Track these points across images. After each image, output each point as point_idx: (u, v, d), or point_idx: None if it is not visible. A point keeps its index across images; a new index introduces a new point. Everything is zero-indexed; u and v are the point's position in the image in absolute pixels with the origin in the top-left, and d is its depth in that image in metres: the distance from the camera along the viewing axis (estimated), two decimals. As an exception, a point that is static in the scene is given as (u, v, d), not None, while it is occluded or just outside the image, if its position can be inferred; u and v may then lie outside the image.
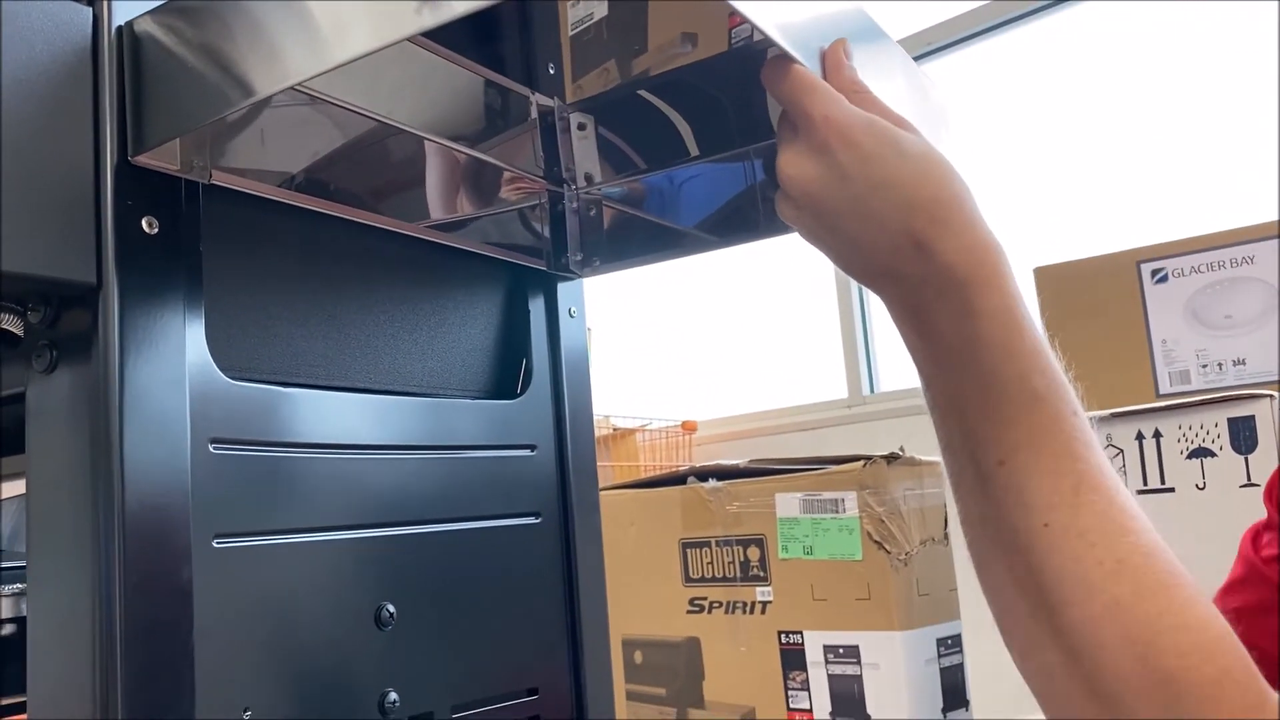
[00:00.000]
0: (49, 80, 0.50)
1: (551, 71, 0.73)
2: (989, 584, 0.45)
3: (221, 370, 0.55)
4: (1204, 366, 1.32)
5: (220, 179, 0.56)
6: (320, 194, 0.63)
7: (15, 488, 0.89)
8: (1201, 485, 1.10)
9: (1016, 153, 2.51)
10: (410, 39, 0.51)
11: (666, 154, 0.75)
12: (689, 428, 2.96)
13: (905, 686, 1.54)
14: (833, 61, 0.51)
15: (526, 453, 0.76)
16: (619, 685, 1.94)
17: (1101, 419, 1.15)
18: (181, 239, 0.54)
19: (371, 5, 0.45)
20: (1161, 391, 1.35)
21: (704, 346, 3.21)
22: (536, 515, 0.76)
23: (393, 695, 0.62)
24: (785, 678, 1.72)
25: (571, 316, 0.81)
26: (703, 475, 1.89)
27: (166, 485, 0.51)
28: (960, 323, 0.42)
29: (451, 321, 0.73)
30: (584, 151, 0.77)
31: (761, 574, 1.76)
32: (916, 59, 1.93)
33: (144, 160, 0.52)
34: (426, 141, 0.70)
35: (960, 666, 1.58)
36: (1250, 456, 1.09)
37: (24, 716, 0.52)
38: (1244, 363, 1.29)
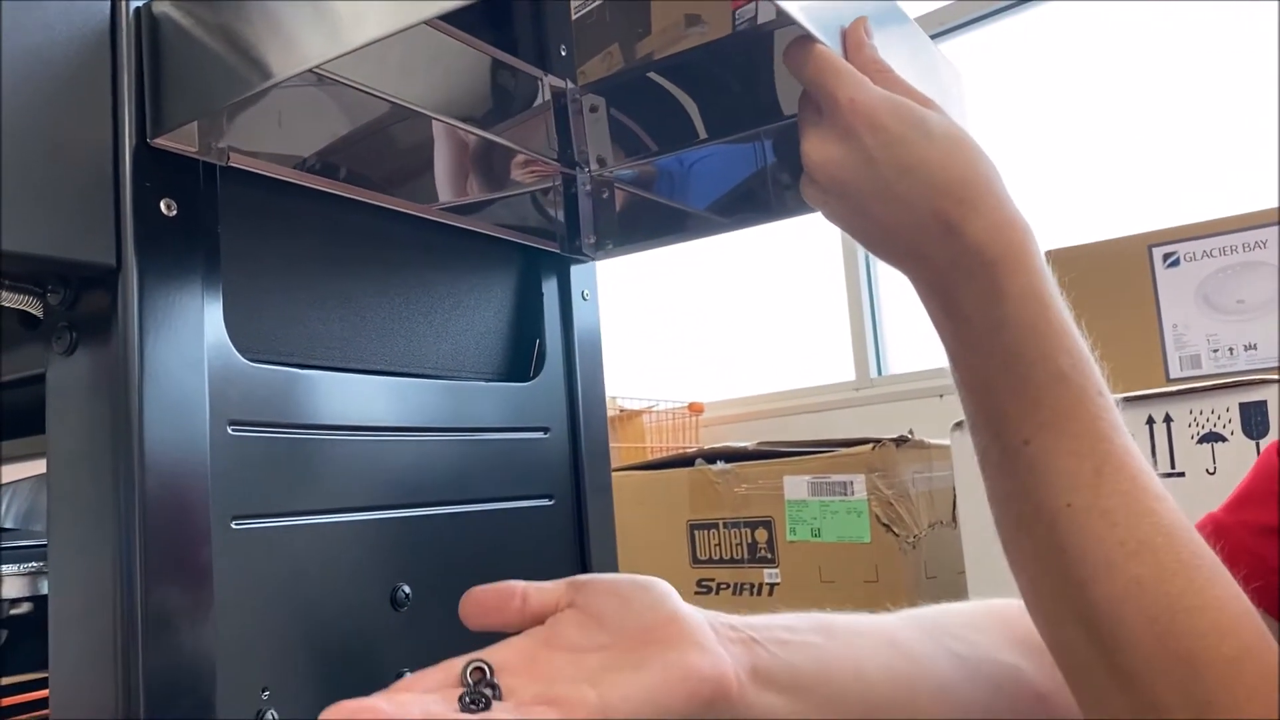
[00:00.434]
0: (68, 63, 0.50)
1: (563, 53, 0.73)
2: (1013, 559, 0.45)
3: (239, 352, 0.56)
4: (1215, 351, 1.32)
5: (238, 161, 0.56)
6: (336, 177, 0.63)
7: (35, 467, 0.89)
8: (1212, 470, 1.10)
9: (1029, 135, 2.50)
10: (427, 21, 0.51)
11: (678, 136, 0.75)
12: (695, 409, 2.96)
13: (912, 668, 1.55)
14: (854, 40, 0.51)
15: (540, 435, 0.76)
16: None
17: (1111, 403, 1.14)
18: (200, 221, 0.54)
19: (391, -12, 0.45)
20: (1172, 376, 1.35)
21: (711, 328, 3.21)
22: (550, 497, 0.76)
23: (408, 675, 0.63)
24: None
25: (585, 299, 0.81)
26: (711, 457, 1.89)
27: (186, 466, 0.52)
28: (987, 303, 0.42)
29: (466, 304, 0.73)
30: (596, 134, 0.77)
31: (769, 556, 1.76)
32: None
33: (162, 142, 0.52)
34: (440, 124, 0.70)
35: (967, 648, 1.58)
36: (1262, 441, 1.08)
37: (46, 692, 0.53)
38: (1255, 347, 1.29)
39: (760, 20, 0.62)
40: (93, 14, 0.51)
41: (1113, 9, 2.46)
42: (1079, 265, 1.52)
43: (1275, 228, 1.31)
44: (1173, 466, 1.12)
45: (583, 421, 0.79)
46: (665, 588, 0.43)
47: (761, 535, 1.79)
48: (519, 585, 0.44)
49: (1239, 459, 1.08)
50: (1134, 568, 0.40)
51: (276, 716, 0.55)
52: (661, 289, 3.27)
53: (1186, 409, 1.11)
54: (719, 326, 3.19)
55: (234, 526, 0.54)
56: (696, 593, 1.85)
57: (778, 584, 1.75)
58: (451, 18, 0.65)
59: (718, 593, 1.83)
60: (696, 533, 1.89)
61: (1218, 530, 0.48)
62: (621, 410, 2.88)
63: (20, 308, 0.52)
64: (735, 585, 1.81)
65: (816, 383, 2.84)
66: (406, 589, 0.63)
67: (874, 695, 0.44)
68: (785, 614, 0.46)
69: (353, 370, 0.64)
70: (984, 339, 0.43)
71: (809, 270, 2.93)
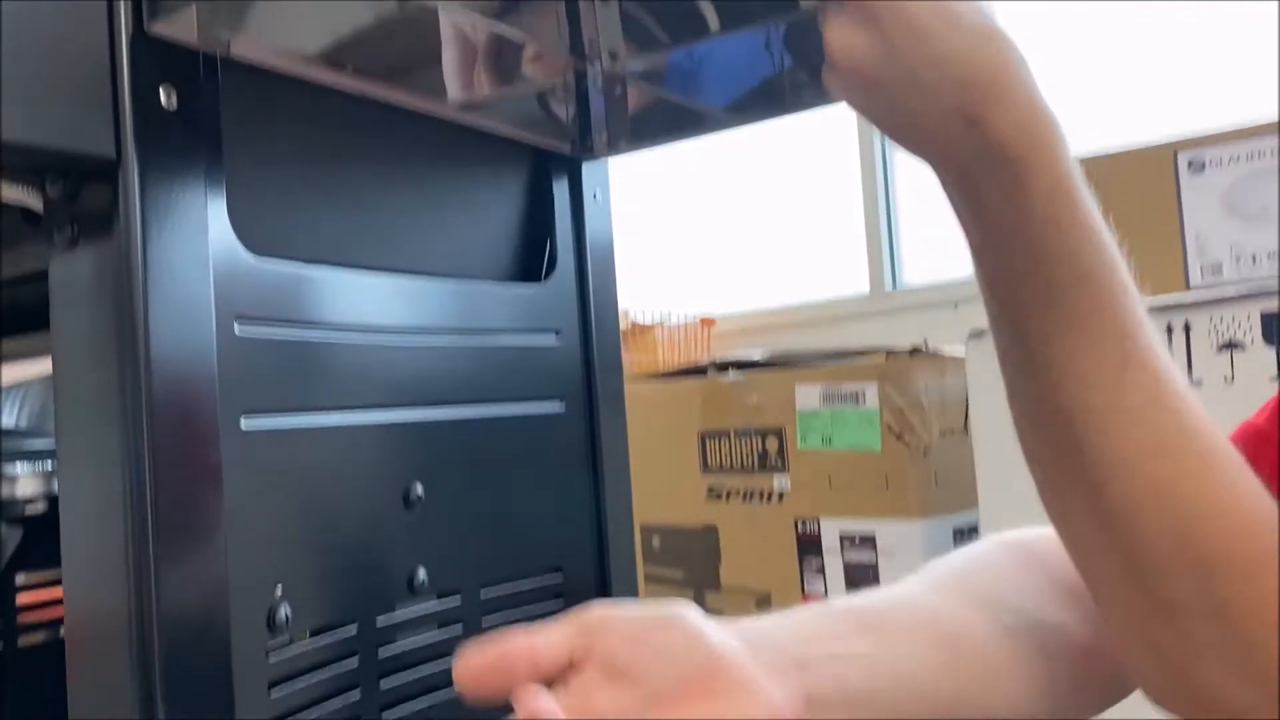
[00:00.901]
0: (59, -57, 0.48)
1: (575, -60, 0.70)
2: (1032, 458, 0.44)
3: (245, 247, 0.55)
4: (1237, 259, 1.30)
5: (240, 51, 0.55)
6: (342, 69, 0.62)
7: (41, 366, 0.89)
8: (1230, 379, 1.09)
9: (1053, 39, 2.44)
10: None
11: (692, 27, 0.72)
12: (708, 323, 2.95)
13: (921, 575, 1.56)
14: None
15: (551, 338, 0.75)
16: (637, 568, 1.97)
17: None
18: (201, 113, 0.53)
19: None
20: (1192, 284, 1.33)
21: (724, 241, 3.18)
22: (561, 400, 0.76)
23: (421, 573, 0.63)
24: (801, 564, 1.75)
25: (596, 200, 0.79)
26: (723, 366, 1.89)
27: (193, 363, 0.51)
28: (1011, 199, 0.41)
29: (475, 203, 0.72)
30: (608, 25, 0.74)
31: (780, 464, 1.77)
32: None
33: (160, 29, 0.50)
34: (448, 15, 0.68)
35: (976, 557, 1.60)
36: (1281, 350, 1.07)
37: (59, 592, 0.53)
38: (1278, 255, 1.27)
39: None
40: (84, -107, 0.49)
41: (1143, -93, 2.37)
42: (1101, 174, 1.48)
43: (1305, 133, 1.28)
44: (1190, 375, 1.11)
45: (595, 325, 0.78)
46: (692, 622, 0.39)
47: (772, 444, 1.79)
48: (523, 642, 0.38)
49: (1258, 368, 1.07)
50: (1153, 467, 0.40)
51: (290, 613, 0.55)
52: (673, 201, 3.24)
53: (1206, 317, 1.10)
54: (732, 239, 3.16)
55: (243, 425, 0.54)
56: (707, 500, 1.87)
57: (787, 492, 1.76)
58: (458, -98, 0.62)
59: (727, 500, 1.85)
60: (708, 441, 1.90)
61: (1258, 438, 0.47)
62: (633, 324, 2.87)
63: (20, 201, 0.51)
64: (745, 493, 1.82)
65: (830, 296, 2.82)
66: (419, 489, 0.63)
67: (929, 698, 0.43)
68: (822, 612, 0.43)
69: (361, 268, 0.63)
70: (1007, 236, 0.41)
71: (824, 181, 2.89)
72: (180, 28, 0.51)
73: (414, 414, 0.64)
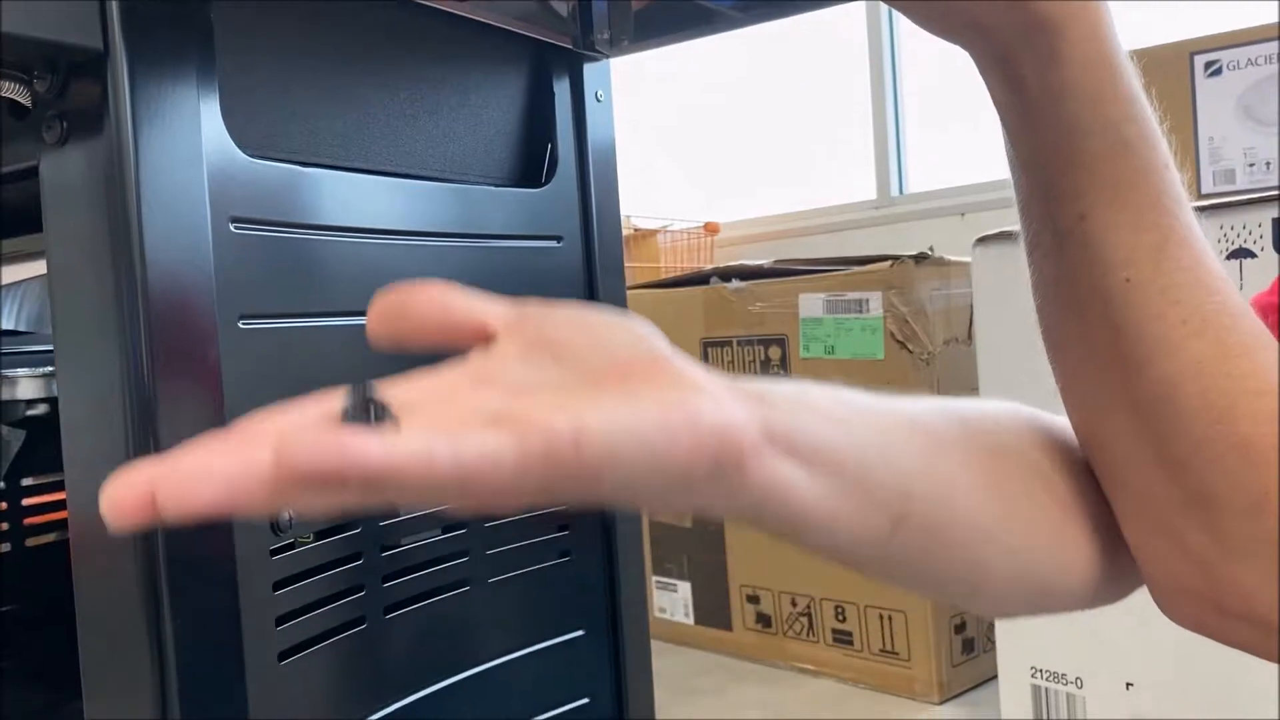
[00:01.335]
0: None
1: None
2: (1056, 348, 0.43)
3: (239, 147, 0.53)
4: (1251, 165, 1.27)
5: (227, -60, 0.53)
6: (334, -40, 0.60)
7: (39, 268, 0.88)
8: (1241, 286, 1.08)
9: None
10: None
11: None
12: (711, 229, 2.92)
13: (921, 482, 1.58)
14: None
15: (553, 244, 0.74)
16: (640, 478, 1.99)
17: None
18: (191, 5, 0.51)
19: None
20: (1204, 191, 1.31)
21: (728, 146, 3.13)
22: (563, 306, 0.75)
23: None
24: (803, 473, 1.76)
25: (599, 101, 0.78)
26: (726, 275, 1.88)
27: (189, 264, 0.50)
28: (1049, 69, 0.39)
29: (474, 103, 0.70)
30: (612, -81, 0.72)
31: (782, 373, 1.77)
32: None
33: (145, -84, 0.48)
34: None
35: (976, 464, 1.61)
36: (1292, 257, 1.06)
37: (64, 494, 0.53)
38: (1292, 162, 1.25)
39: None
40: None
41: None
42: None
43: (1325, 35, 1.24)
44: (1198, 283, 1.09)
45: (596, 231, 0.77)
46: (650, 327, 0.31)
47: (775, 353, 1.79)
48: (436, 289, 0.30)
49: (1269, 275, 1.06)
50: (1195, 346, 0.38)
51: (293, 514, 0.55)
52: (677, 104, 3.18)
53: (1217, 224, 1.08)
54: (737, 144, 3.11)
55: (241, 326, 0.53)
56: (709, 408, 1.87)
57: (790, 400, 1.76)
58: None
59: (730, 408, 1.85)
60: (710, 350, 1.89)
61: (1264, 311, 0.45)
62: (635, 229, 2.84)
63: (7, 96, 0.50)
64: (748, 401, 1.83)
65: (836, 202, 2.79)
66: (419, 393, 0.63)
67: (902, 481, 0.36)
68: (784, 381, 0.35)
69: (358, 170, 0.61)
70: (1044, 109, 0.40)
71: (832, 86, 2.84)
72: (166, -86, 0.49)
73: (414, 318, 0.64)
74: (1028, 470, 0.43)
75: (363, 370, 0.62)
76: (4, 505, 0.89)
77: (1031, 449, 0.44)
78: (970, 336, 1.60)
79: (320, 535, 0.59)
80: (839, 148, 2.82)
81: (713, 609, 1.94)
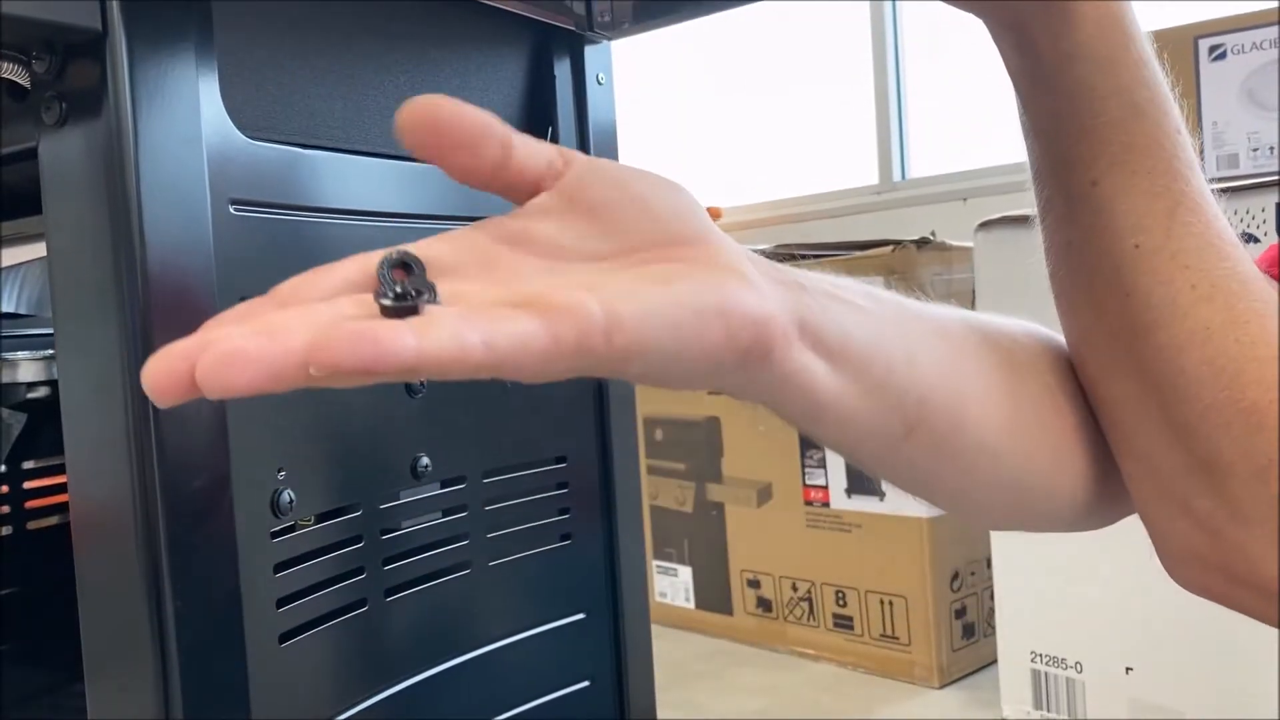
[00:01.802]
0: None
1: None
2: (1067, 314, 0.43)
3: (239, 129, 0.53)
4: (1254, 150, 1.27)
5: (226, -81, 0.52)
6: (333, -60, 0.59)
7: (36, 250, 0.88)
8: (1241, 271, 1.07)
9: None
10: None
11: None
12: (713, 214, 2.92)
13: (922, 467, 1.57)
14: None
15: (553, 226, 0.74)
16: (640, 460, 1.99)
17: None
18: (188, -15, 0.51)
19: None
20: (1208, 176, 1.31)
21: (730, 130, 3.12)
22: (563, 289, 0.75)
23: (425, 459, 0.63)
24: (803, 456, 1.76)
25: (600, 84, 0.77)
26: (727, 259, 1.87)
27: (188, 246, 0.50)
28: (1060, 32, 0.39)
29: (474, 85, 0.70)
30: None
31: (784, 358, 1.76)
32: None
33: (143, -105, 0.48)
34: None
35: (977, 449, 1.61)
36: (1295, 242, 1.06)
37: (65, 478, 0.53)
38: (1296, 146, 1.24)
39: None
40: None
41: None
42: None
43: (1331, 19, 1.24)
44: (1201, 268, 1.09)
45: (598, 214, 0.77)
46: (694, 199, 0.31)
47: (777, 338, 1.79)
48: (495, 120, 0.28)
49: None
50: (1204, 312, 0.38)
51: (293, 497, 0.55)
52: (678, 88, 3.17)
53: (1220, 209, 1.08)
54: (739, 128, 3.10)
55: (241, 309, 0.53)
56: (710, 393, 1.87)
57: (791, 385, 1.75)
58: None
59: (731, 393, 1.85)
60: (712, 335, 1.89)
61: (1269, 264, 0.45)
62: (637, 214, 2.83)
63: (5, 77, 0.50)
64: (749, 386, 1.83)
65: (838, 187, 2.78)
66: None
67: (921, 387, 0.36)
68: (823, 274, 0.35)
69: (357, 153, 0.61)
70: (1056, 73, 0.39)
71: (834, 70, 2.83)
72: (164, -107, 0.49)
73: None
74: (1039, 389, 0.43)
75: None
76: (5, 488, 0.89)
77: (1046, 370, 0.43)
78: (972, 322, 1.59)
79: (321, 518, 0.59)
80: (841, 132, 2.81)
81: (713, 593, 1.95)
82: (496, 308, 0.25)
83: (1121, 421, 0.41)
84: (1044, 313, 0.45)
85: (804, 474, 1.77)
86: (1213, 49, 1.30)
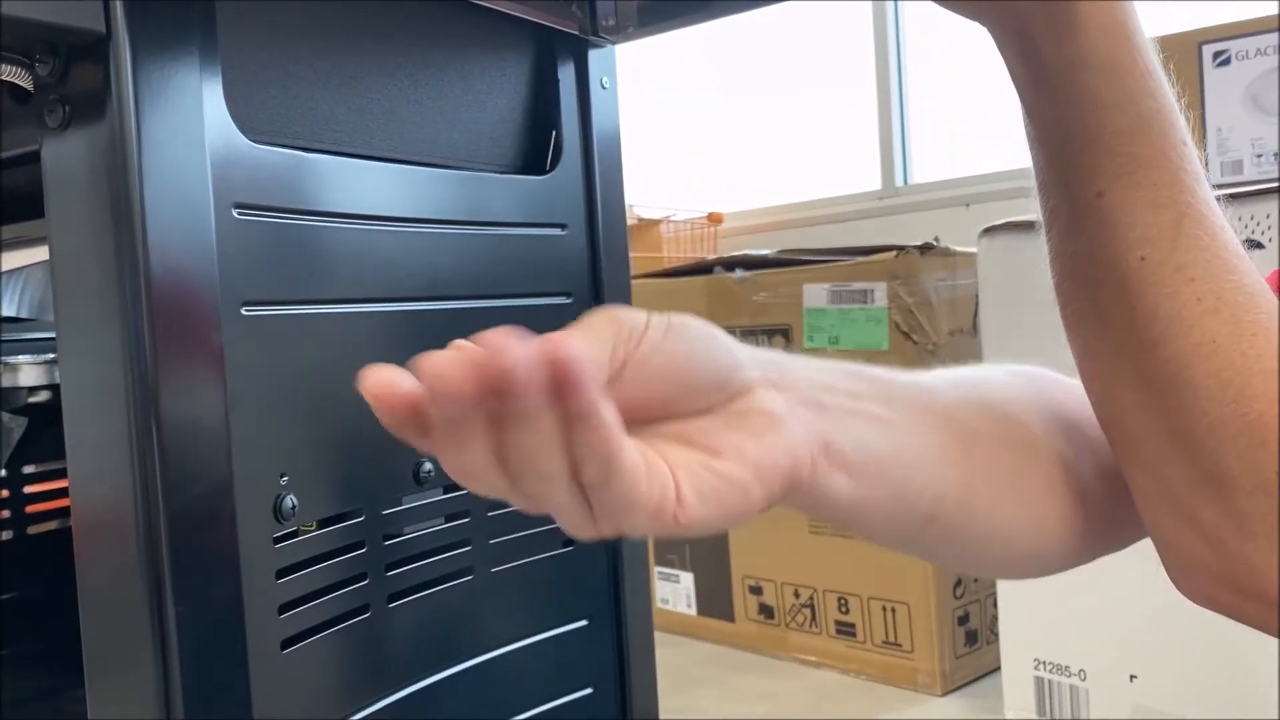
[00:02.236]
0: None
1: None
2: (1072, 325, 0.43)
3: (242, 132, 0.53)
4: (1259, 156, 1.27)
5: (230, -78, 0.52)
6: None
7: (41, 254, 0.88)
8: (1246, 278, 1.07)
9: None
10: None
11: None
12: (715, 219, 2.91)
13: (924, 473, 1.57)
14: None
15: (557, 231, 0.74)
16: (642, 468, 1.98)
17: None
18: (192, -12, 0.51)
19: None
20: (1212, 182, 1.30)
21: (732, 135, 3.12)
22: (568, 295, 0.75)
23: (427, 464, 0.63)
24: (806, 463, 1.76)
25: (604, 88, 0.77)
26: (730, 265, 1.87)
27: (191, 250, 0.50)
28: (1065, 41, 0.39)
29: (478, 89, 0.70)
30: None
31: (786, 363, 1.76)
32: None
33: (147, -103, 0.48)
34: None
35: (980, 456, 1.60)
36: (1300, 249, 1.05)
37: (66, 482, 0.53)
38: (1301, 153, 1.24)
39: None
40: None
41: None
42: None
43: (1335, 25, 1.24)
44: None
45: (601, 219, 0.77)
46: (722, 336, 0.34)
47: (779, 343, 1.78)
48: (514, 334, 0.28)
49: (1276, 267, 1.05)
50: (1211, 325, 0.38)
51: (296, 502, 0.55)
52: (681, 93, 3.17)
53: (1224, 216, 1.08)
54: (741, 133, 3.10)
55: (244, 313, 0.53)
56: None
57: (794, 391, 1.75)
58: None
59: (734, 399, 1.84)
60: (714, 340, 1.89)
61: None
62: (638, 219, 2.83)
63: (8, 80, 0.50)
64: (751, 392, 1.82)
65: (840, 192, 2.78)
66: (423, 381, 0.63)
67: (937, 490, 0.39)
68: (838, 367, 0.38)
69: (360, 156, 0.61)
70: (1062, 82, 0.39)
71: (837, 75, 2.83)
72: (169, -104, 0.49)
73: (416, 306, 0.63)
74: (1046, 464, 0.44)
75: (365, 357, 0.62)
76: (6, 493, 0.89)
77: (1049, 436, 0.44)
78: (975, 327, 1.59)
79: (323, 523, 0.58)
80: (844, 137, 2.81)
81: (715, 600, 1.94)
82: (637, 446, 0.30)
83: (1127, 432, 0.41)
84: (1047, 320, 0.45)
85: (806, 480, 1.77)
86: (1217, 55, 1.30)
